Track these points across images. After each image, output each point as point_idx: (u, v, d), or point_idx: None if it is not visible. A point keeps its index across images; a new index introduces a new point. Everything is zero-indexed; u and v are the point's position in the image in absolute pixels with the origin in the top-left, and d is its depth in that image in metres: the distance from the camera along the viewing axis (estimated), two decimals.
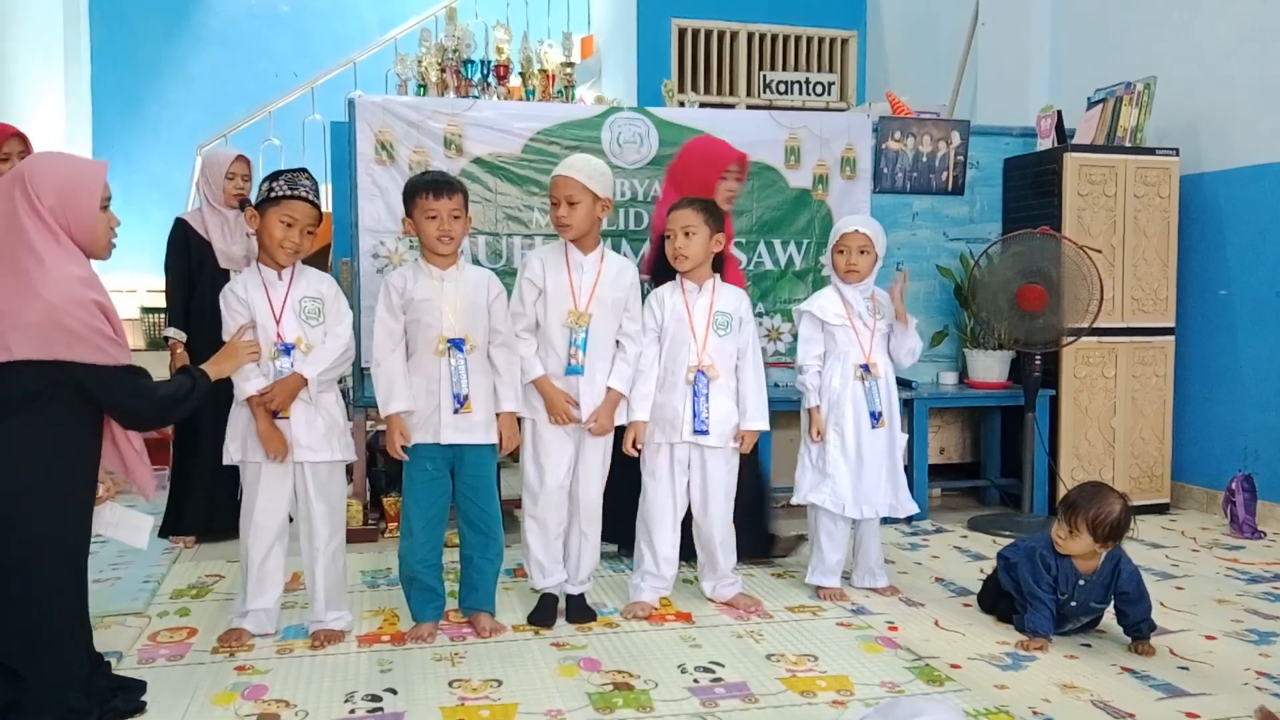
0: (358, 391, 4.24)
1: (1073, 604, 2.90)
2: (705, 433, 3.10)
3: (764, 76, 7.16)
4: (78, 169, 2.32)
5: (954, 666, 2.74)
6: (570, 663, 2.74)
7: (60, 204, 2.22)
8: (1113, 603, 2.90)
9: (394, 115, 4.19)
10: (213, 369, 2.66)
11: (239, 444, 2.87)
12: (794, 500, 3.41)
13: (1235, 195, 4.56)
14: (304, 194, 2.82)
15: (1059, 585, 2.89)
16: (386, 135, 4.17)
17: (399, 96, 4.84)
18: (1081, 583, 2.87)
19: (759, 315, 4.58)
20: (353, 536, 4.02)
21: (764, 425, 3.18)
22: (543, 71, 5.94)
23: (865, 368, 3.31)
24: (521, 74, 5.90)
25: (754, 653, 2.82)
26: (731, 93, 7.16)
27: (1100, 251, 4.34)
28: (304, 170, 2.90)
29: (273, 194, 2.80)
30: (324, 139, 7.04)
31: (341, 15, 8.74)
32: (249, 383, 2.80)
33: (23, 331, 2.13)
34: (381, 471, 4.37)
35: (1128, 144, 4.62)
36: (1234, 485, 4.26)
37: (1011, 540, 3.19)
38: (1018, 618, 3.00)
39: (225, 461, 2.90)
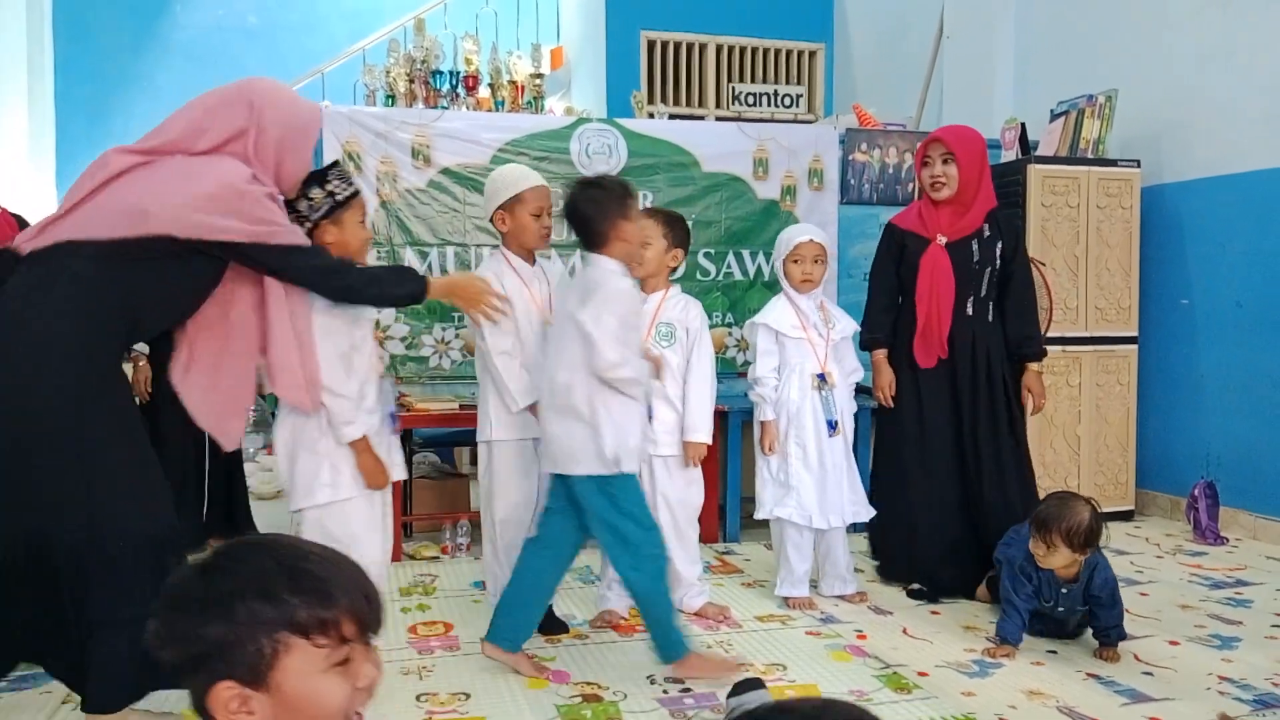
0: None
1: (1060, 609, 2.93)
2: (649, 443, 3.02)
3: (733, 88, 7.20)
4: (305, 110, 2.42)
5: (921, 674, 2.75)
6: (539, 675, 2.72)
7: (282, 138, 2.29)
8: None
9: (361, 126, 4.18)
10: (441, 287, 2.67)
11: (332, 479, 2.53)
12: (758, 515, 3.42)
13: (1196, 206, 4.63)
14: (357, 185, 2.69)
15: (1042, 594, 2.91)
16: (354, 146, 4.15)
17: (367, 107, 4.82)
18: (1064, 591, 2.89)
19: (728, 325, 4.60)
20: None
21: (705, 438, 3.14)
22: (512, 82, 5.93)
23: (821, 377, 3.32)
24: (490, 85, 5.90)
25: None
26: (701, 104, 7.20)
27: (1045, 264, 4.40)
28: (334, 163, 2.72)
29: (337, 196, 2.54)
30: None
31: (310, 27, 8.70)
32: (356, 425, 2.50)
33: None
34: None
35: (1090, 156, 4.68)
36: (1197, 492, 4.32)
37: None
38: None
39: (306, 504, 2.53)
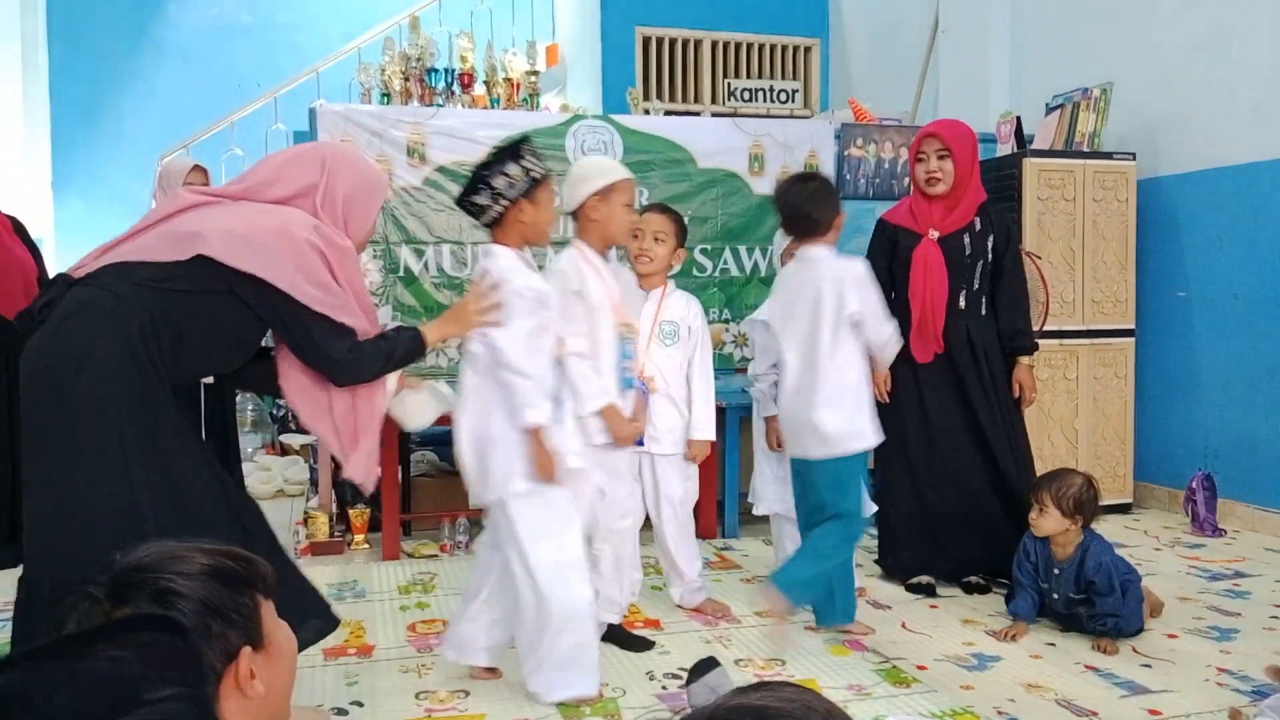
0: None
1: (1054, 595, 2.96)
2: (643, 443, 3.03)
3: (728, 84, 7.19)
4: (374, 173, 2.48)
5: (920, 668, 2.75)
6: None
7: (350, 197, 2.33)
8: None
9: (356, 124, 4.17)
10: (436, 333, 2.50)
11: (525, 473, 2.47)
12: (758, 511, 3.42)
13: (1192, 198, 4.63)
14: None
15: (1039, 574, 2.98)
16: (348, 144, 4.14)
17: (362, 105, 4.82)
18: (1056, 572, 2.94)
19: (725, 321, 4.60)
20: (318, 549, 4.00)
21: (709, 436, 3.17)
22: (507, 80, 5.93)
23: None
24: (486, 82, 5.89)
25: (722, 658, 2.81)
26: (696, 100, 7.19)
27: (1040, 256, 4.40)
28: (525, 137, 2.63)
29: (533, 173, 2.50)
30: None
31: (304, 26, 8.68)
32: (538, 410, 2.44)
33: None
34: (347, 483, 4.32)
35: (1085, 149, 4.68)
36: (1194, 484, 4.32)
37: None
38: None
39: (503, 494, 2.47)
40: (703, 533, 4.26)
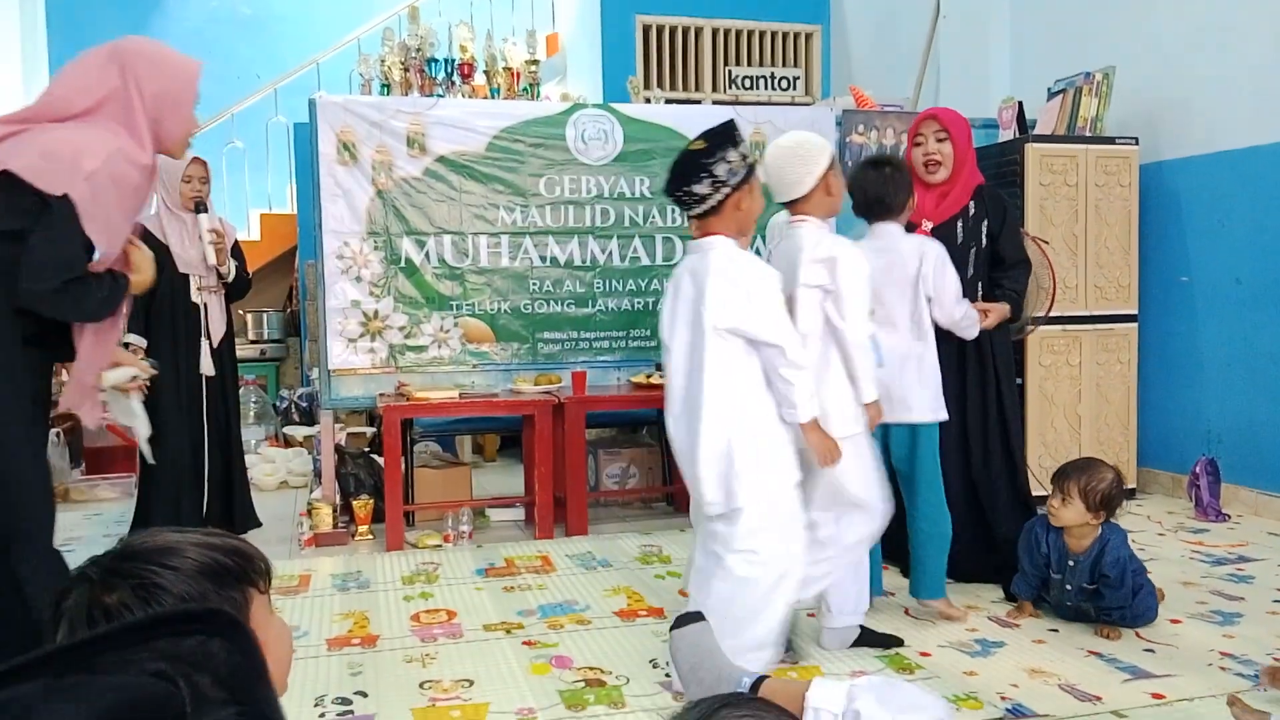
0: (325, 394, 4.21)
1: (1067, 587, 2.94)
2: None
3: (729, 72, 7.17)
4: (178, 64, 2.23)
5: (924, 654, 2.75)
6: (542, 661, 2.73)
7: (159, 94, 2.17)
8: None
9: (356, 115, 4.16)
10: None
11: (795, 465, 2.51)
12: None
13: (1194, 183, 4.62)
14: None
15: (1051, 564, 2.95)
16: (348, 135, 4.14)
17: (361, 96, 4.81)
18: (1071, 564, 2.91)
19: None
20: (322, 540, 4.01)
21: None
22: (507, 69, 5.91)
23: None
24: (486, 72, 5.87)
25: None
26: (697, 88, 7.17)
27: (1048, 242, 4.38)
28: (731, 120, 2.52)
29: (749, 159, 2.45)
30: (288, 141, 7.01)
31: (304, 17, 8.67)
32: (809, 404, 2.42)
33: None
34: (350, 474, 4.34)
35: (1088, 134, 4.66)
36: (1198, 469, 4.31)
37: None
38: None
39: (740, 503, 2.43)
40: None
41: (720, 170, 2.35)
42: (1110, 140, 4.64)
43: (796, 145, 2.70)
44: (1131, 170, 4.63)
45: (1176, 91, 4.67)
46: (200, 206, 3.92)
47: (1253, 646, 2.76)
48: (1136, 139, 4.66)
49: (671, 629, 2.11)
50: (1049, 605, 3.05)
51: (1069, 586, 2.93)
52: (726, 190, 2.37)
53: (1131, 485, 4.69)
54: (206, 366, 3.97)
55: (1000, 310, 3.26)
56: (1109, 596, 2.87)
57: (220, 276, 4.02)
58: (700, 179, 2.37)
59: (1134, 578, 2.89)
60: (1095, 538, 2.88)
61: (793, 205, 2.72)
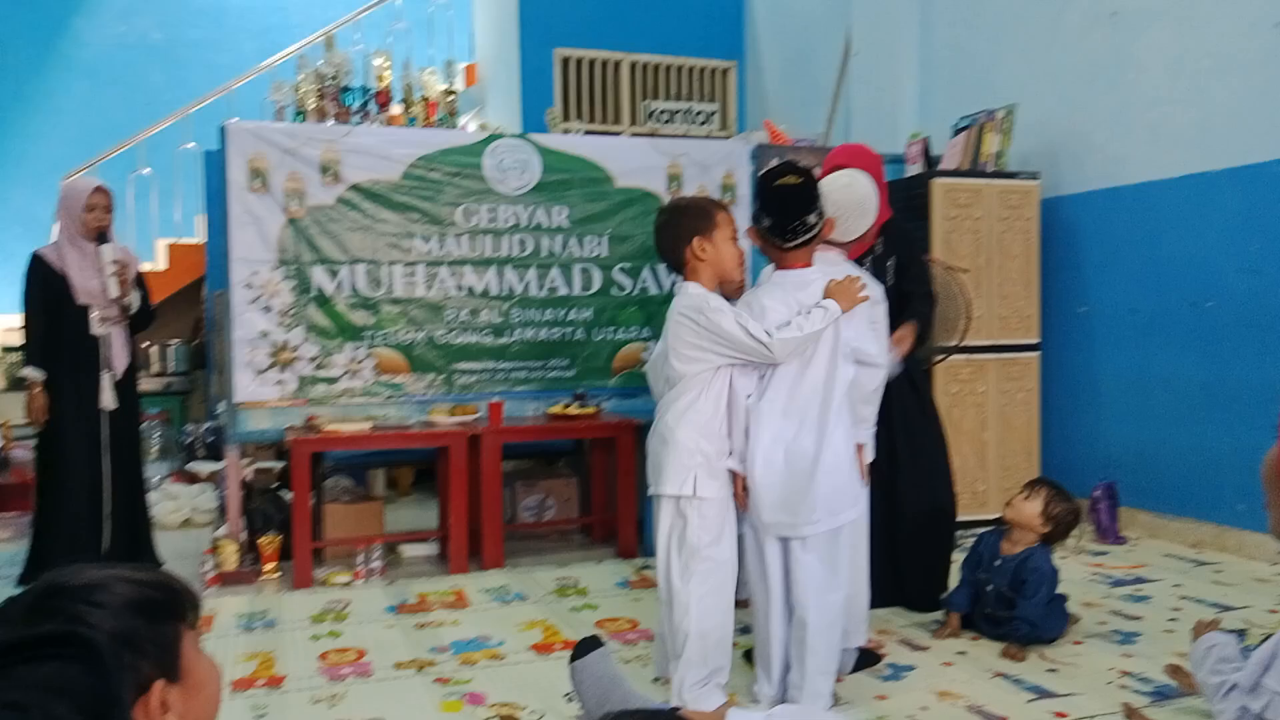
0: (231, 428, 4.10)
1: (989, 588, 3.06)
2: None
3: (647, 105, 7.25)
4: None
5: (836, 680, 2.77)
6: (454, 698, 2.69)
7: None
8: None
9: (268, 142, 4.09)
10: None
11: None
12: None
13: (1092, 217, 4.80)
14: None
15: (982, 562, 3.11)
16: (260, 162, 4.07)
17: (274, 123, 4.73)
18: (998, 563, 3.06)
19: (644, 340, 4.61)
20: (227, 578, 3.89)
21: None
22: (424, 99, 5.89)
23: None
24: (403, 101, 5.84)
25: (641, 677, 2.82)
26: (616, 121, 7.23)
27: (967, 270, 4.51)
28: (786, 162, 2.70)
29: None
30: (199, 169, 6.85)
31: (216, 44, 8.53)
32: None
33: None
34: (258, 510, 4.23)
35: (991, 169, 4.82)
36: (1098, 493, 4.46)
37: None
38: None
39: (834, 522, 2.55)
40: (622, 551, 4.27)
41: (820, 201, 2.60)
42: (1012, 175, 4.80)
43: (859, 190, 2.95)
44: (1033, 204, 4.80)
45: (1075, 128, 4.87)
46: (103, 237, 3.81)
47: (1150, 665, 2.85)
48: (1037, 174, 4.83)
49: (572, 660, 2.08)
50: (978, 623, 3.14)
51: (990, 588, 3.05)
52: (798, 241, 2.59)
53: None
54: (108, 400, 3.85)
55: (910, 332, 3.30)
56: (1021, 606, 2.97)
57: (124, 308, 3.90)
58: (812, 209, 2.58)
59: (1048, 591, 3.02)
60: (1028, 545, 3.05)
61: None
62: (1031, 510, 3.07)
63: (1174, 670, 2.70)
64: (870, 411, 2.74)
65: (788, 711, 1.73)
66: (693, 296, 2.54)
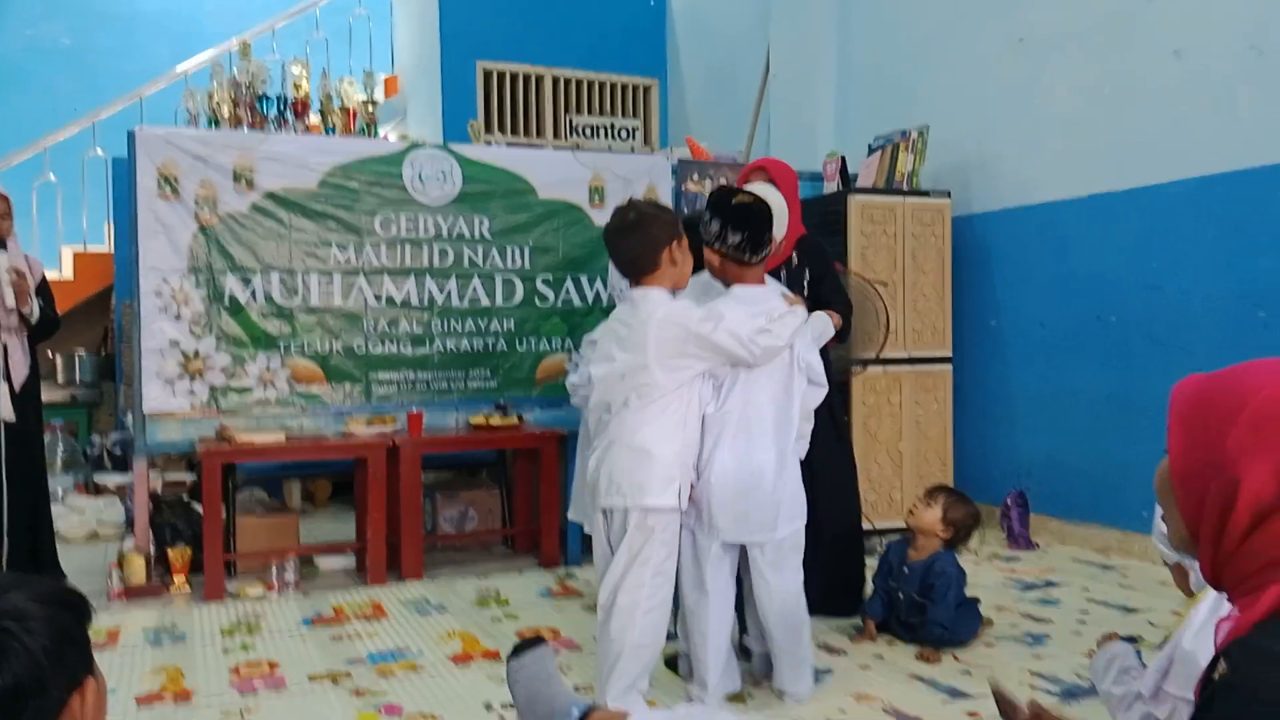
0: (140, 439, 3.97)
1: (900, 595, 3.13)
2: None
3: (570, 120, 7.26)
4: None
5: (754, 685, 2.80)
6: (370, 710, 2.64)
7: None
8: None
9: (179, 148, 4.00)
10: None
11: None
12: (588, 530, 3.42)
13: (1002, 234, 4.96)
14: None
15: (892, 570, 3.18)
16: (170, 169, 3.97)
17: (186, 129, 4.63)
18: (906, 571, 3.14)
19: (567, 351, 4.61)
20: (134, 592, 3.77)
21: None
22: (344, 109, 5.81)
23: None
24: (321, 111, 5.76)
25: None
26: (539, 135, 7.22)
27: (886, 284, 4.61)
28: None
29: None
30: (106, 176, 6.66)
31: (127, 50, 8.30)
32: None
33: None
34: (167, 523, 4.10)
35: (904, 187, 4.94)
36: (1009, 501, 4.58)
37: None
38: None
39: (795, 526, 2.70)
40: (545, 561, 4.24)
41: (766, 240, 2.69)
42: (925, 193, 4.92)
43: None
44: (945, 221, 4.93)
45: (985, 149, 5.02)
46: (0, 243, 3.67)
47: (1059, 665, 2.93)
48: (949, 192, 4.97)
49: (510, 657, 2.07)
50: (894, 628, 3.19)
51: (902, 594, 3.12)
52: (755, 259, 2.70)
53: None
54: (6, 411, 3.70)
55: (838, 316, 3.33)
56: (932, 610, 3.04)
57: (22, 317, 3.76)
58: (772, 226, 2.67)
59: (956, 594, 3.09)
60: (932, 551, 3.12)
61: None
62: (932, 517, 3.15)
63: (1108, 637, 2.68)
64: (808, 428, 2.79)
65: (688, 713, 1.75)
66: (668, 303, 2.55)
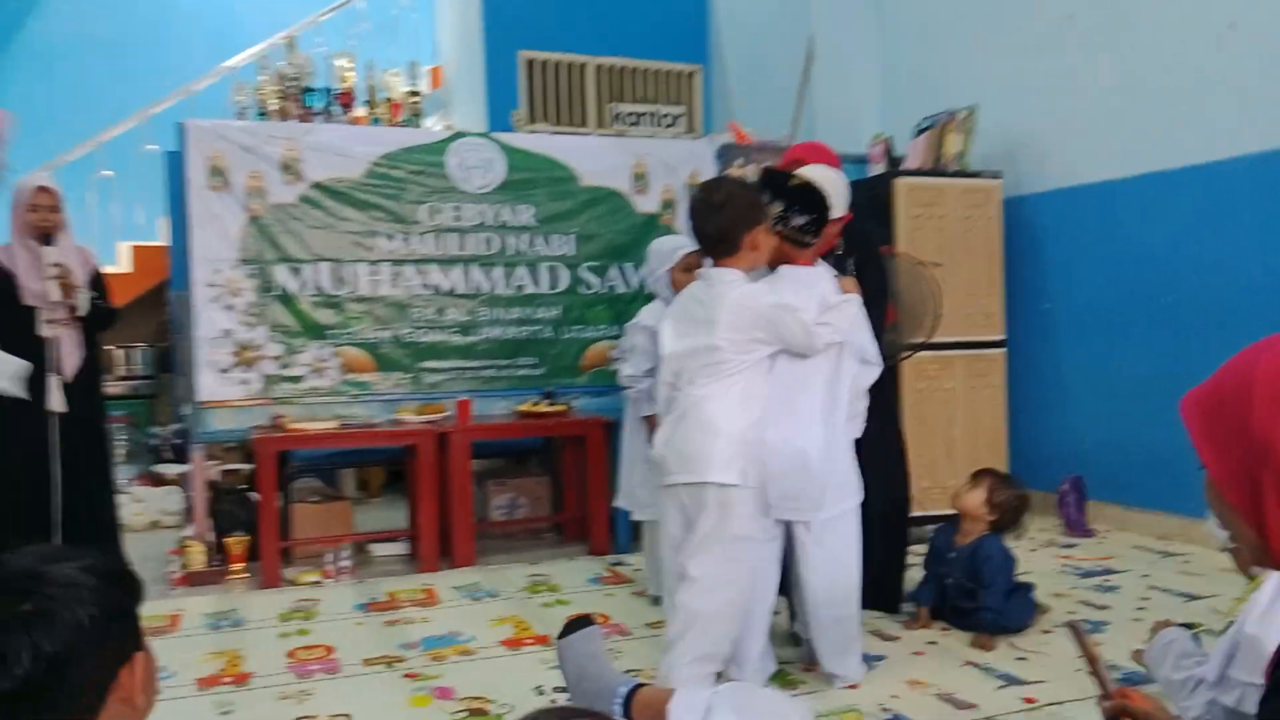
0: (195, 428, 4.04)
1: (948, 580, 3.08)
2: None
3: (613, 108, 7.25)
4: None
5: (806, 670, 2.78)
6: (423, 693, 2.66)
7: None
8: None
9: (228, 140, 4.06)
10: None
11: None
12: (636, 517, 3.43)
13: (1053, 215, 4.86)
14: None
15: (941, 556, 3.14)
16: (220, 160, 4.03)
17: (234, 121, 4.68)
18: (952, 555, 3.09)
19: (613, 338, 4.60)
20: (194, 579, 3.84)
21: None
22: (388, 100, 5.85)
23: None
24: (367, 102, 5.80)
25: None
26: (582, 124, 7.21)
27: (941, 265, 4.53)
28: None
29: None
30: (161, 171, 6.76)
31: (176, 45, 8.43)
32: None
33: None
34: (225, 511, 4.17)
35: (953, 169, 4.86)
36: (1066, 487, 4.50)
37: None
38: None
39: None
40: (594, 549, 4.25)
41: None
42: (974, 175, 4.84)
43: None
44: (995, 203, 4.85)
45: (1036, 129, 4.93)
46: (47, 238, 3.72)
47: (1118, 652, 2.87)
48: (999, 173, 4.88)
49: (559, 637, 2.08)
50: (946, 615, 3.15)
51: (950, 580, 3.08)
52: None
53: None
54: (56, 402, 3.74)
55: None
56: (982, 596, 3.00)
57: (71, 310, 3.81)
58: (829, 206, 2.65)
59: (1005, 578, 3.04)
60: (978, 535, 3.08)
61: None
62: (976, 499, 3.10)
63: (1137, 657, 2.70)
64: (863, 407, 2.76)
65: (730, 691, 1.75)
66: (743, 285, 2.55)
